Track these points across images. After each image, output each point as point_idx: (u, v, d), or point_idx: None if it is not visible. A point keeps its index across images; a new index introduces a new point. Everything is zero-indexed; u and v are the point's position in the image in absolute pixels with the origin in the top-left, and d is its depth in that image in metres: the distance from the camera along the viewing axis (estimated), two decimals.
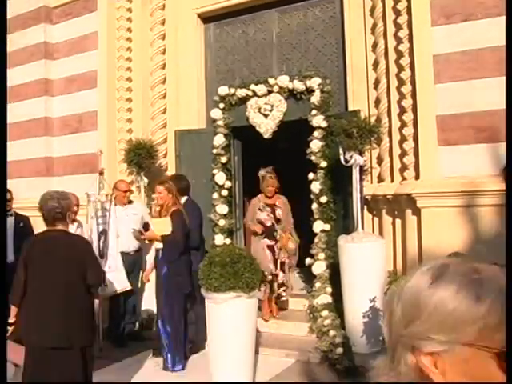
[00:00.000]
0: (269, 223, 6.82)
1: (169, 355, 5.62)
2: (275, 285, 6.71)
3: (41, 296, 3.77)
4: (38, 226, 7.19)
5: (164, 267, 5.74)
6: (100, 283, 4.22)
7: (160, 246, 5.82)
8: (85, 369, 3.84)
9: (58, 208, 3.90)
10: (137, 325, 6.97)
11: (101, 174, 7.08)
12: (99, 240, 6.34)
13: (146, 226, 6.28)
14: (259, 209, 6.85)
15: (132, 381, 5.35)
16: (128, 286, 6.48)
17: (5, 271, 3.88)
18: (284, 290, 6.87)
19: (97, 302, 6.52)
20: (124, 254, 6.60)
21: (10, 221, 6.63)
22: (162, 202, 5.85)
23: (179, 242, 5.68)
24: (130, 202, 6.93)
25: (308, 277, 7.48)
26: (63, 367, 3.72)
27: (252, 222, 6.89)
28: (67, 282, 3.80)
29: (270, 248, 6.75)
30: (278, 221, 6.86)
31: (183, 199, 6.24)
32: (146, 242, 6.54)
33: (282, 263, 6.76)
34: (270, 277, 6.64)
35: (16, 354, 3.72)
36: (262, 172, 6.98)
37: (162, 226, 5.75)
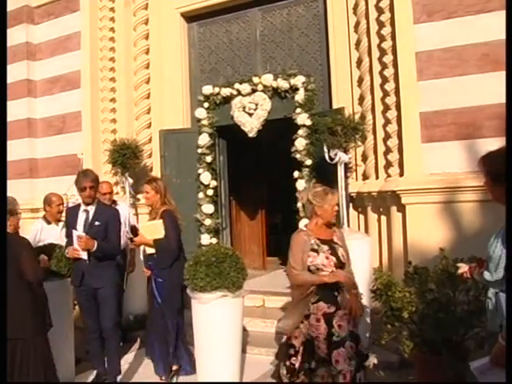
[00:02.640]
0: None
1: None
2: (320, 373, 4.00)
3: None
4: (23, 227, 7.16)
5: (158, 273, 5.30)
6: (37, 280, 4.28)
7: (151, 251, 5.31)
8: (30, 358, 4.18)
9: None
10: (123, 326, 6.91)
11: None
12: None
13: (133, 230, 5.74)
14: (313, 249, 4.07)
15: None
16: None
17: (5, 270, 3.93)
18: None
19: None
20: None
21: None
22: (150, 202, 5.44)
23: (172, 247, 5.24)
24: (115, 202, 6.87)
25: None
26: (14, 356, 4.12)
27: (303, 270, 4.08)
28: (8, 279, 4.08)
29: (328, 318, 4.02)
30: (339, 267, 4.14)
31: (95, 200, 5.19)
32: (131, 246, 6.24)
33: (363, 356, 4.19)
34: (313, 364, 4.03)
35: None
36: (310, 188, 4.39)
37: (154, 230, 5.24)
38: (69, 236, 5.07)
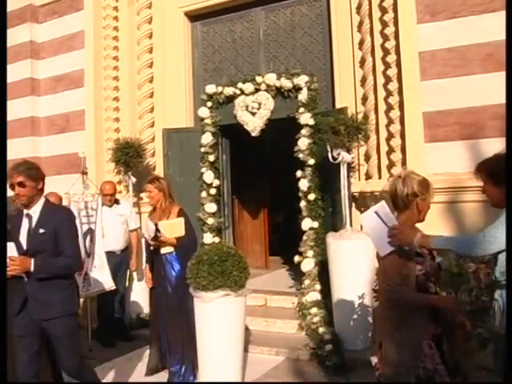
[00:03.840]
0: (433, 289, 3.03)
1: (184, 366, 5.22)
2: None
3: None
4: None
5: (176, 273, 5.20)
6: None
7: (168, 250, 5.22)
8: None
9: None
10: (125, 324, 6.94)
11: (84, 174, 7.05)
12: (84, 239, 6.29)
13: (157, 230, 5.14)
14: (418, 253, 2.95)
15: (121, 381, 5.33)
16: (113, 286, 6.44)
17: (5, 270, 3.84)
18: None
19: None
20: (110, 254, 6.55)
21: None
22: (154, 202, 5.32)
23: (195, 245, 5.34)
24: (117, 201, 6.89)
25: (297, 274, 7.48)
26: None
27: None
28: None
29: (437, 341, 2.92)
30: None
31: (41, 200, 4.05)
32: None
33: None
34: None
35: None
36: (410, 176, 3.10)
37: (175, 228, 5.13)
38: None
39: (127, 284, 6.98)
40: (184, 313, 5.19)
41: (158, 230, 5.10)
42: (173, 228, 5.13)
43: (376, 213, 2.95)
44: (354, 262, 5.79)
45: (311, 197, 6.87)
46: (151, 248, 5.39)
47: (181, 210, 5.30)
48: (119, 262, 6.74)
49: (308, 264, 6.80)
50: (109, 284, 6.40)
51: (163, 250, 5.24)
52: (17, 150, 9.08)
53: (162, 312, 5.32)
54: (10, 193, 4.52)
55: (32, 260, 3.76)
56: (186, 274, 4.93)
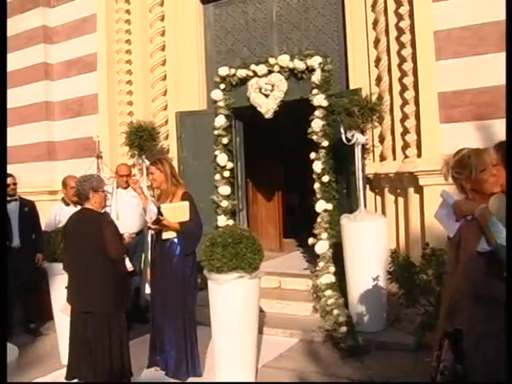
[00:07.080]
0: None
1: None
2: None
3: (71, 266, 4.54)
4: (43, 210, 7.22)
5: (179, 261, 4.97)
6: (119, 258, 4.50)
7: (170, 235, 4.95)
8: (111, 333, 4.41)
9: (79, 190, 4.53)
10: (141, 307, 6.99)
11: (99, 157, 7.07)
12: None
13: (160, 213, 4.86)
14: None
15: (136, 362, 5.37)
16: (130, 267, 6.47)
17: (6, 274, 3.92)
18: None
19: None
20: None
21: (15, 206, 6.67)
22: (157, 184, 5.11)
23: (200, 231, 5.02)
24: None
25: (311, 256, 7.49)
26: (90, 329, 4.36)
27: None
28: (88, 254, 4.37)
29: None
30: None
31: None
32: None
33: None
34: None
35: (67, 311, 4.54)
36: (446, 161, 3.06)
37: (179, 212, 4.86)
38: None
39: (142, 267, 7.01)
40: (181, 303, 4.98)
41: (160, 213, 4.84)
42: (176, 212, 4.86)
43: (443, 205, 3.08)
44: (368, 243, 5.78)
45: (325, 179, 6.84)
46: (152, 232, 5.17)
47: (185, 193, 5.02)
48: (134, 245, 6.76)
49: (322, 246, 6.79)
50: (127, 265, 6.44)
51: (165, 236, 4.98)
52: (31, 134, 9.17)
53: (156, 302, 5.13)
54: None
55: None
56: (187, 261, 4.97)
